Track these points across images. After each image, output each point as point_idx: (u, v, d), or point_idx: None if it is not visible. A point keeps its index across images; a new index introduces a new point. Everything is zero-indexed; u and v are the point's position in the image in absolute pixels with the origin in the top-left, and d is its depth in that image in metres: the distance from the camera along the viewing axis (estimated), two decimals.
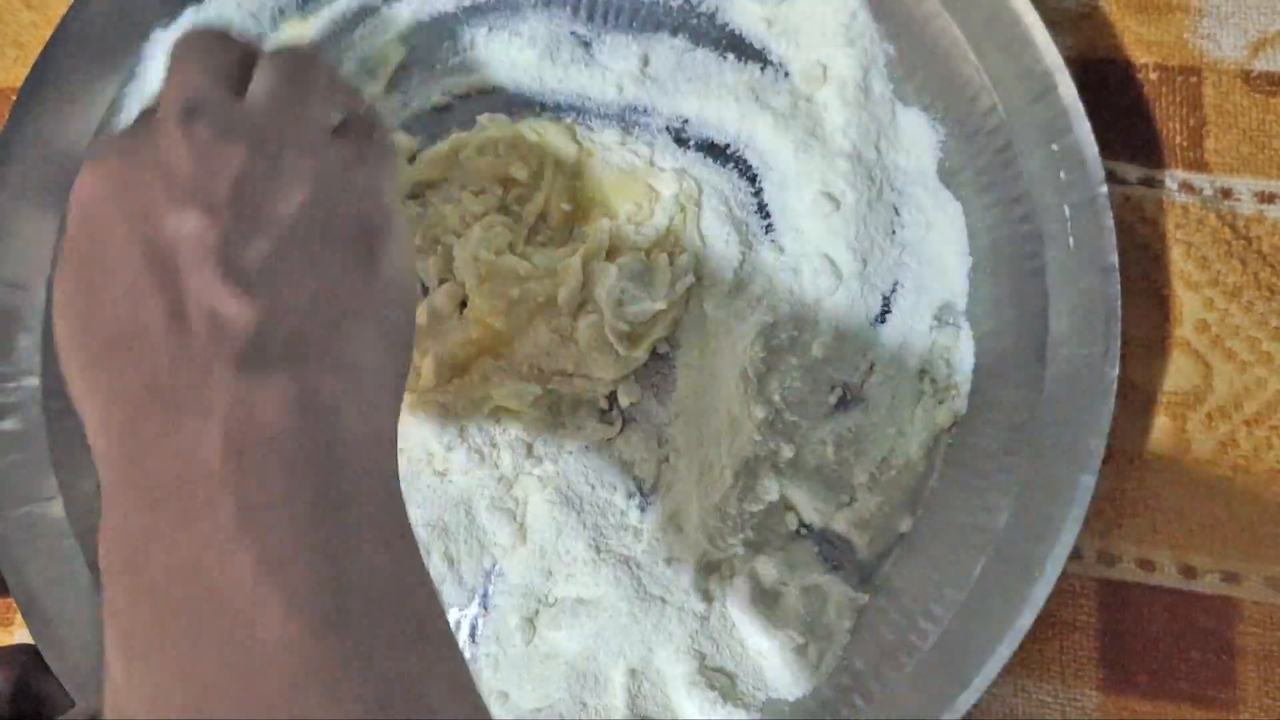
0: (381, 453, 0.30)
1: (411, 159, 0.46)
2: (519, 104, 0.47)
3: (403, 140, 0.46)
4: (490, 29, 0.47)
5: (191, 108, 0.31)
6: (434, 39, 0.47)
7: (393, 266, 0.32)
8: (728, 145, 0.45)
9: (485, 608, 0.43)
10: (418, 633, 0.27)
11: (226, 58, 0.33)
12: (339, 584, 0.26)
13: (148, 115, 0.33)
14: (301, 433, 0.27)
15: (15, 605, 0.43)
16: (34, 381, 0.45)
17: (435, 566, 0.43)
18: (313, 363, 0.28)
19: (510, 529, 0.43)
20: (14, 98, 0.45)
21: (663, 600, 0.42)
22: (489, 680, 0.42)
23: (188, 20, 0.47)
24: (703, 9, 0.46)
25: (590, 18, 0.47)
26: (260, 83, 0.32)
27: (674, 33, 0.46)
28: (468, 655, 0.42)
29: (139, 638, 0.26)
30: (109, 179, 0.30)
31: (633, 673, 0.41)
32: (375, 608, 0.26)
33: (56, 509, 0.44)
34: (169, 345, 0.28)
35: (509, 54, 0.47)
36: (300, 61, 0.34)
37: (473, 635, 0.43)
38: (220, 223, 0.28)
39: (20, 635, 0.45)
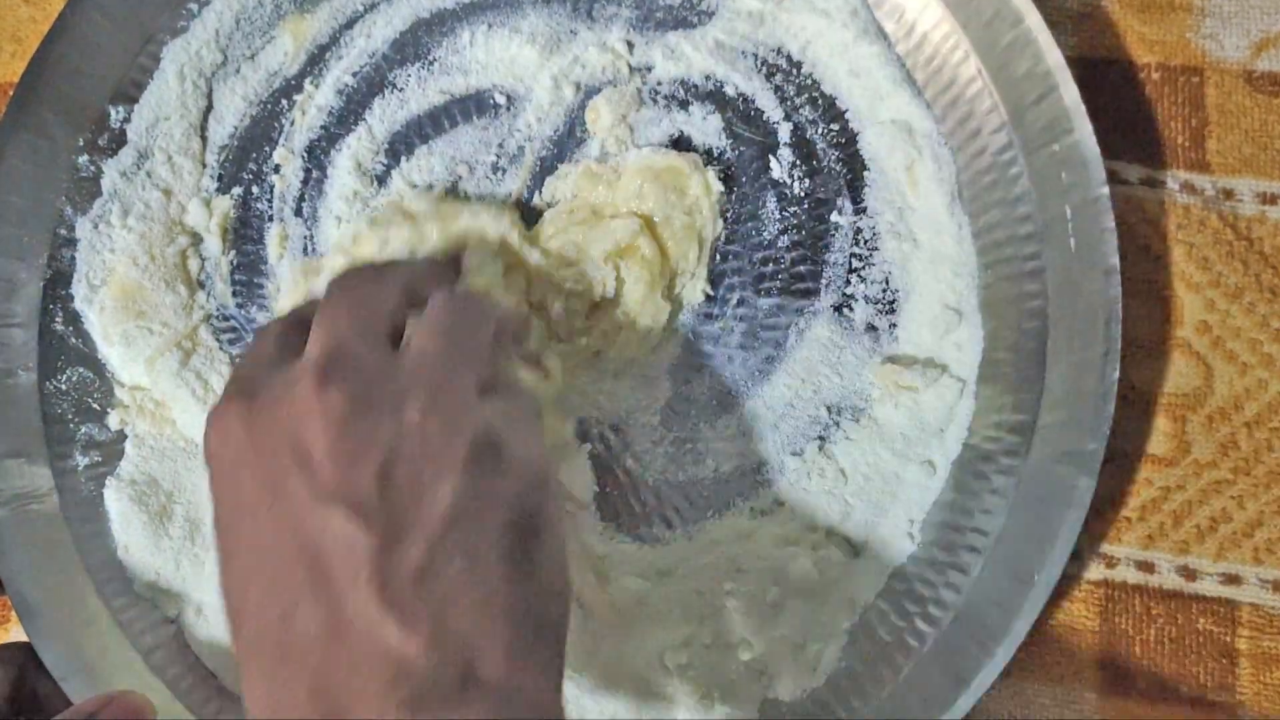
0: None
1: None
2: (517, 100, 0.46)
3: (552, 366, 0.41)
4: (490, 26, 0.47)
5: (333, 361, 0.29)
6: (433, 36, 0.47)
7: (549, 561, 0.30)
8: None
9: None
10: None
11: (387, 300, 0.32)
12: None
13: (285, 332, 0.32)
14: None
15: (10, 603, 0.43)
16: (30, 378, 0.45)
17: None
18: (481, 702, 0.27)
19: None
20: (11, 93, 0.45)
21: None
22: None
23: (190, 32, 0.47)
24: (703, 6, 0.46)
25: (590, 14, 0.46)
26: (421, 338, 0.31)
27: (674, 29, 0.46)
28: None
29: None
30: (244, 436, 0.29)
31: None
32: None
33: (51, 506, 0.44)
34: (333, 670, 0.27)
35: (509, 51, 0.47)
36: (470, 312, 0.32)
37: None
38: (369, 528, 0.27)
39: (16, 633, 0.45)
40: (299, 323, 0.34)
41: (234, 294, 0.46)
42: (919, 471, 0.42)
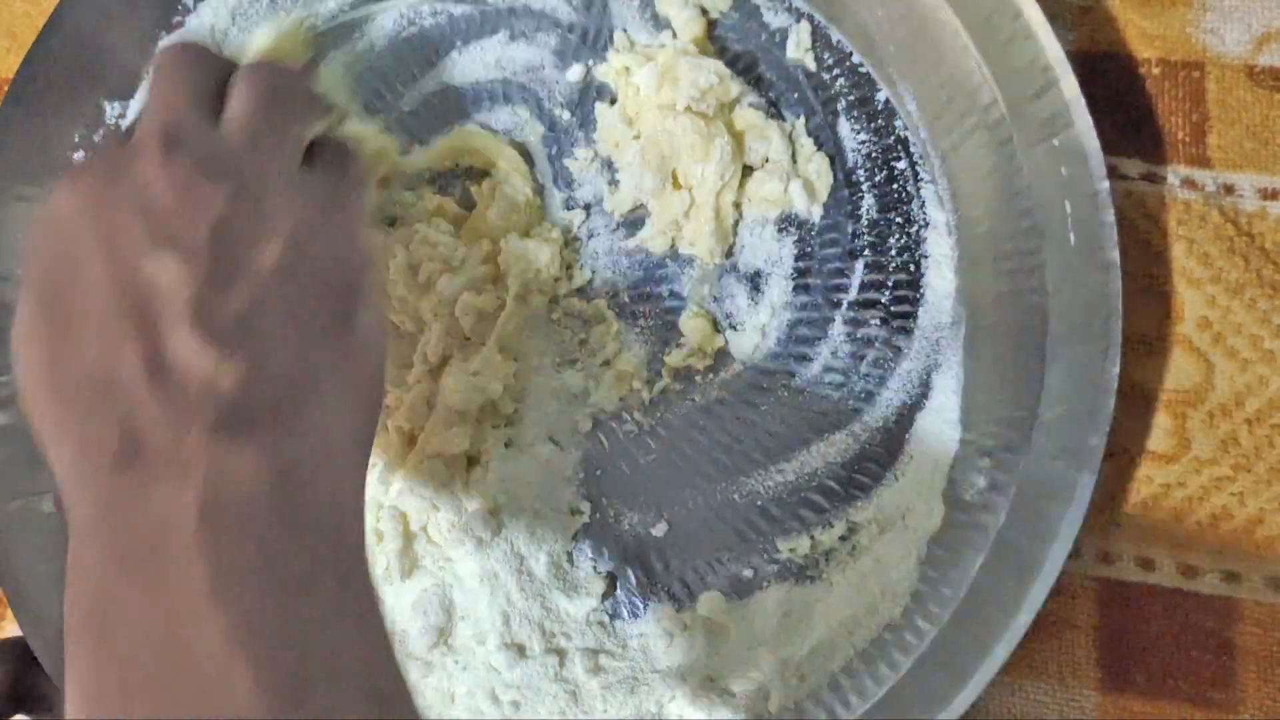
0: (350, 522, 0.29)
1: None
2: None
3: (384, 141, 0.44)
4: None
5: (172, 136, 0.30)
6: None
7: (368, 323, 0.31)
8: None
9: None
10: (381, 708, 0.27)
11: (206, 78, 0.33)
12: (306, 657, 0.26)
13: (124, 137, 0.32)
14: (276, 503, 0.27)
15: (5, 599, 0.43)
16: None
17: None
18: (290, 429, 0.28)
19: None
20: (6, 88, 0.45)
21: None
22: None
23: (187, 26, 0.47)
24: None
25: (587, 9, 0.46)
26: (238, 106, 0.32)
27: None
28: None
29: (105, 703, 0.25)
30: (84, 204, 0.30)
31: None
32: (340, 681, 0.26)
33: (48, 504, 0.44)
34: (146, 400, 0.27)
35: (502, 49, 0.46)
36: (277, 80, 0.33)
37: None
38: (199, 272, 0.28)
39: (11, 629, 0.45)
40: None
41: None
42: None
